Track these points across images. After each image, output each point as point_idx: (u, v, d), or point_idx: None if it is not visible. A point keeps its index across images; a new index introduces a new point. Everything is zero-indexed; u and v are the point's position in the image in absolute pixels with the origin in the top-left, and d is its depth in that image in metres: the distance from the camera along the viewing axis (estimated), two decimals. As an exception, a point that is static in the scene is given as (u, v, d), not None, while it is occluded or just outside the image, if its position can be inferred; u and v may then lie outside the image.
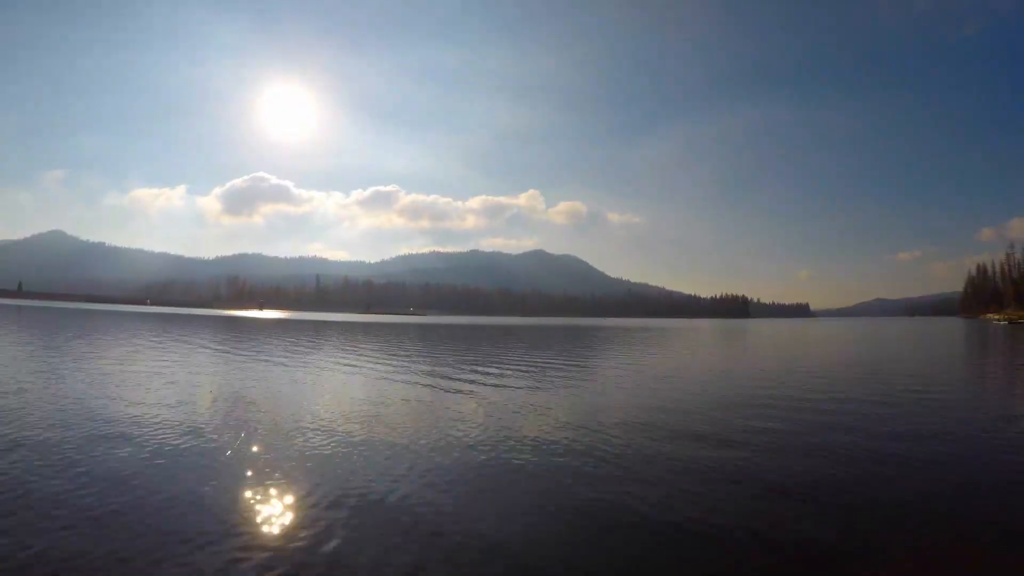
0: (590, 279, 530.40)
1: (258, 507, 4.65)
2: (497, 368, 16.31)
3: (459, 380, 13.21)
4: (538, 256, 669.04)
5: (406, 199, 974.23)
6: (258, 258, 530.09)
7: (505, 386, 12.38)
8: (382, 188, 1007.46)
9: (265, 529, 4.22)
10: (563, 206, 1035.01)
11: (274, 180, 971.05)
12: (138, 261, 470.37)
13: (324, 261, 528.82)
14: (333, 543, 3.94)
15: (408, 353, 21.63)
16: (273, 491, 5.03)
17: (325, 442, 6.87)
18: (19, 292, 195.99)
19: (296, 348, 22.40)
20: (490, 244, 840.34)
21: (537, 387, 12.35)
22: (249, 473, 5.55)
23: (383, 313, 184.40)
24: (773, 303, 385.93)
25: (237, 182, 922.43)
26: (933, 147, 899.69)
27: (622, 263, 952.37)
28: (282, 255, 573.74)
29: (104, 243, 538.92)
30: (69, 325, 34.76)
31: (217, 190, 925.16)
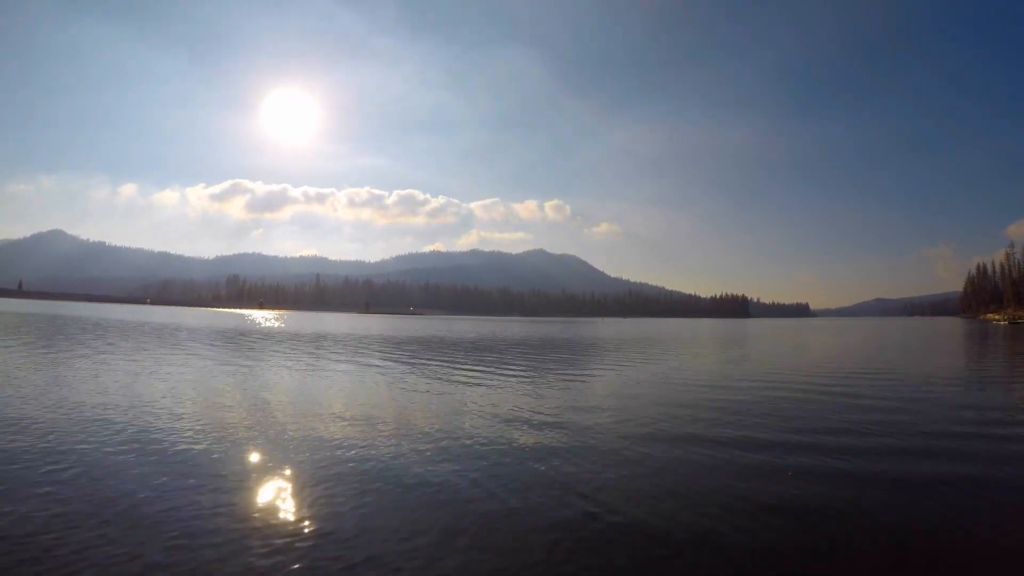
0: (590, 278, 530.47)
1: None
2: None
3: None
4: (538, 255, 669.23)
5: (407, 200, 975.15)
6: (258, 257, 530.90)
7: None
8: (383, 189, 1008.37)
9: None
10: (563, 206, 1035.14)
11: (275, 180, 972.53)
12: (138, 260, 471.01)
13: (324, 260, 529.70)
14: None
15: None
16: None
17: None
18: (19, 291, 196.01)
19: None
20: (491, 243, 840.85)
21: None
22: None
23: (382, 312, 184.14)
24: (773, 303, 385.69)
25: (238, 182, 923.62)
26: (935, 148, 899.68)
27: (622, 263, 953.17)
28: (282, 254, 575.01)
29: (104, 242, 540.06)
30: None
31: (218, 190, 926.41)
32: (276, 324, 45.63)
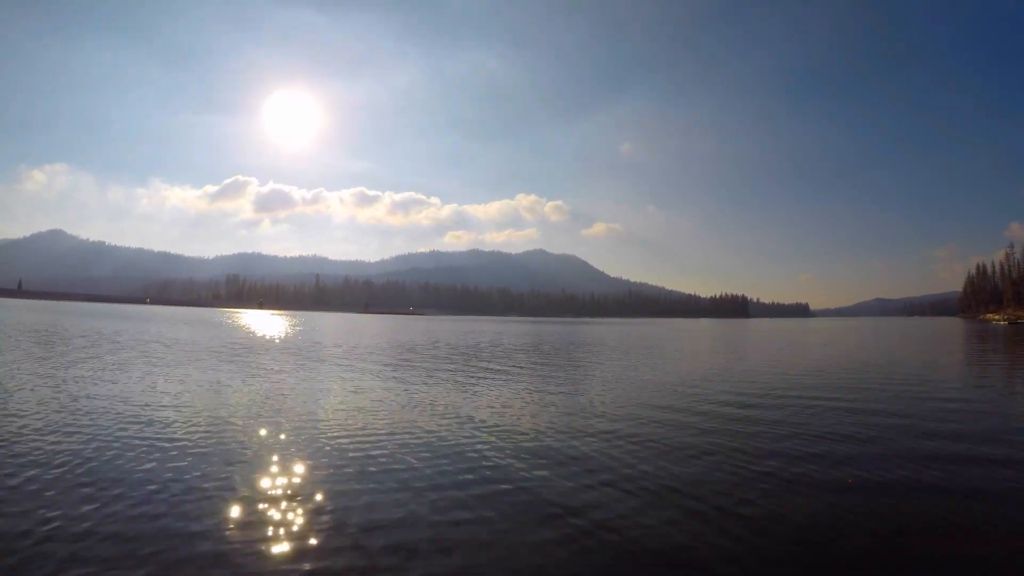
0: (590, 278, 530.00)
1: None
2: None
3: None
4: (538, 255, 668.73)
5: (407, 200, 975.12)
6: (258, 257, 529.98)
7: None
8: (383, 191, 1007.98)
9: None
10: (563, 206, 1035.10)
11: (274, 181, 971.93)
12: (138, 260, 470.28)
13: (324, 260, 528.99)
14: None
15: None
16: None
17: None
18: (19, 291, 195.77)
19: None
20: (490, 244, 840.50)
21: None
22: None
23: (381, 312, 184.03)
24: (773, 303, 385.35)
25: (238, 183, 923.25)
26: (935, 148, 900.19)
27: (622, 263, 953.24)
28: (282, 254, 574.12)
29: (104, 242, 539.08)
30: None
31: (218, 189, 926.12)
32: (297, 333, 45.41)
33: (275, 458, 6.12)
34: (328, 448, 6.57)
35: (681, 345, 31.32)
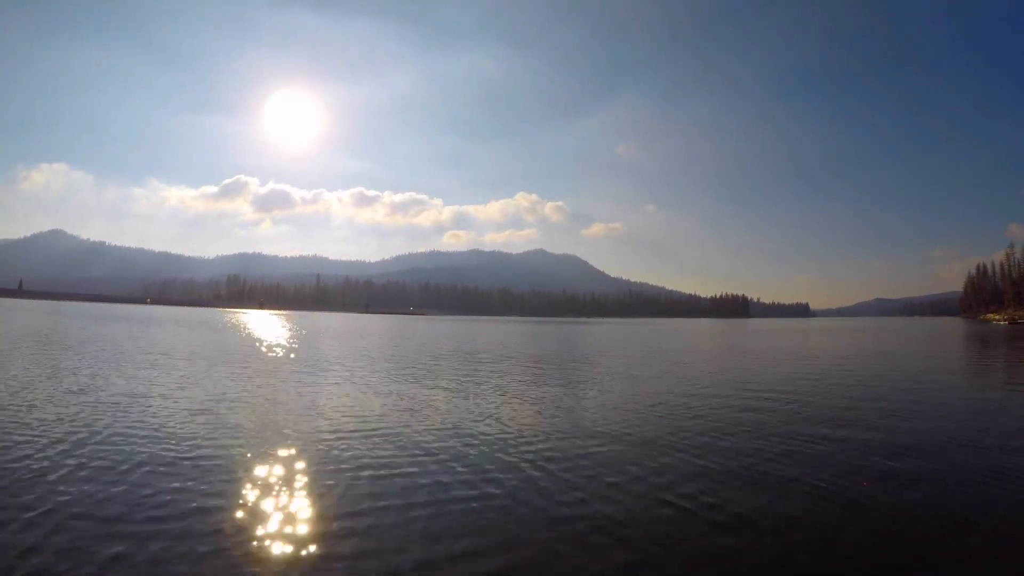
0: (591, 278, 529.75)
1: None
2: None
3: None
4: (539, 255, 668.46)
5: (407, 201, 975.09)
6: (259, 257, 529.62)
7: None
8: (383, 191, 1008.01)
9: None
10: (564, 207, 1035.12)
11: (275, 181, 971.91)
12: (138, 260, 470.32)
13: (325, 260, 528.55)
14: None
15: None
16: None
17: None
18: (19, 291, 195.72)
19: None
20: (491, 244, 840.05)
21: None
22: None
23: (382, 313, 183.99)
24: (773, 303, 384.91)
25: (238, 183, 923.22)
26: (935, 148, 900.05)
27: (622, 263, 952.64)
28: (282, 254, 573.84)
29: (104, 242, 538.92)
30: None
31: (218, 190, 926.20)
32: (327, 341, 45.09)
33: (274, 462, 6.19)
34: (334, 452, 6.64)
35: (684, 346, 31.38)
